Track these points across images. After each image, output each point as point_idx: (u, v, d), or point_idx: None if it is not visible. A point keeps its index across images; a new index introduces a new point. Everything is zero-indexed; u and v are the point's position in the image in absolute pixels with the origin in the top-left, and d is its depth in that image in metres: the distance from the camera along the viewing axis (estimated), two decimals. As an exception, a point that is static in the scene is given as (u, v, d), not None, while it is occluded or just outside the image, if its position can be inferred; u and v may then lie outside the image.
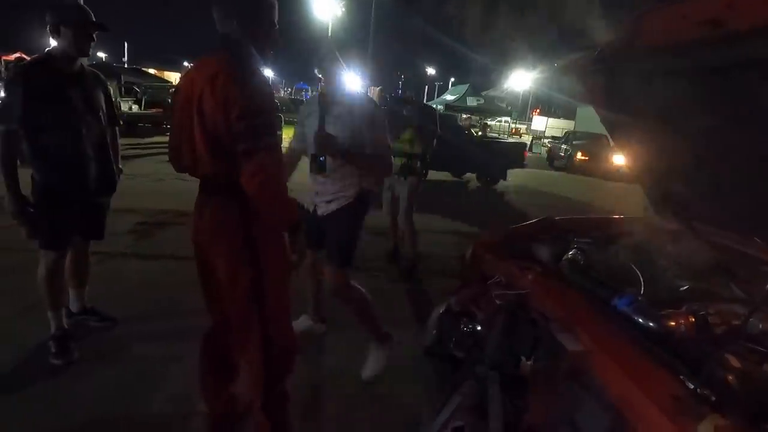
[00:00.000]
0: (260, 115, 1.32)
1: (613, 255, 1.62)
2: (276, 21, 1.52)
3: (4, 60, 10.76)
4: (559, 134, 24.36)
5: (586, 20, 1.40)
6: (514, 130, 32.30)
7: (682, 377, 0.94)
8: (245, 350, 1.57)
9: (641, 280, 1.41)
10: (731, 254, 1.60)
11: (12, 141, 1.95)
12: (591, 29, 1.38)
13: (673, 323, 1.16)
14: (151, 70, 20.52)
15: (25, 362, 2.16)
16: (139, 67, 21.30)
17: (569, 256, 1.57)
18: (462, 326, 1.66)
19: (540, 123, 37.63)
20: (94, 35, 2.12)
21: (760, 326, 1.12)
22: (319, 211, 2.19)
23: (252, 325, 1.50)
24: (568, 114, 40.95)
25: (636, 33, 1.19)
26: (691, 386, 0.91)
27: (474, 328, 1.63)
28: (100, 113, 2.24)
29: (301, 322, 2.66)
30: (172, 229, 4.42)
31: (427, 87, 47.85)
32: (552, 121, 38.80)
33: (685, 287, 1.43)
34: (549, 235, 1.83)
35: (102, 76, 2.32)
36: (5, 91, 1.96)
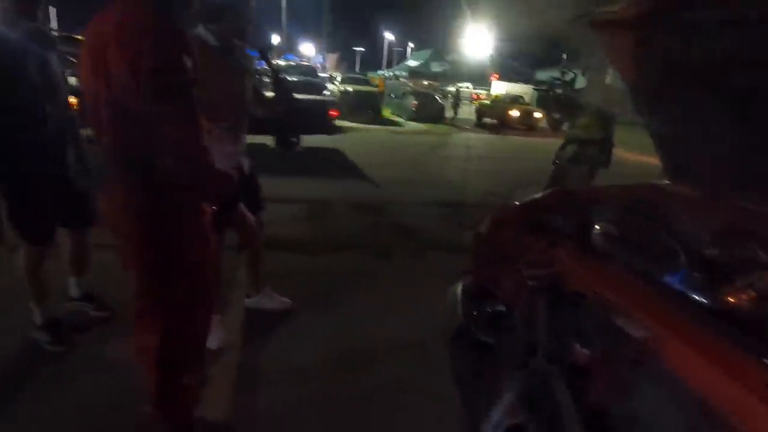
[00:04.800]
0: (176, 73, 1.15)
1: (643, 226, 1.54)
2: None
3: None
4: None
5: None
6: (475, 95, 32.28)
7: (765, 360, 0.87)
8: (142, 337, 1.43)
9: (681, 252, 1.34)
10: (755, 219, 1.56)
11: None
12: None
13: (733, 300, 1.09)
14: (86, 38, 18.58)
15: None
16: (71, 34, 19.23)
17: (601, 228, 1.48)
18: (487, 309, 1.55)
19: (499, 87, 37.80)
20: None
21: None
22: (246, 169, 2.21)
23: (155, 311, 1.39)
24: (526, 79, 41.35)
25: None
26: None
27: (500, 310, 1.53)
28: (60, 90, 1.97)
29: (269, 301, 2.56)
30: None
31: (386, 53, 46.57)
32: (511, 86, 39.11)
33: (722, 257, 1.38)
34: (568, 206, 1.73)
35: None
36: None
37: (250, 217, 2.30)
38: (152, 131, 1.19)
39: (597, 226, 1.49)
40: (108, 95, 1.19)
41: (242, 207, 2.21)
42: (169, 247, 1.33)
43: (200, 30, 1.97)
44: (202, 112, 1.53)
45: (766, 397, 0.79)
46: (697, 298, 1.10)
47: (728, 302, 1.08)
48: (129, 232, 1.33)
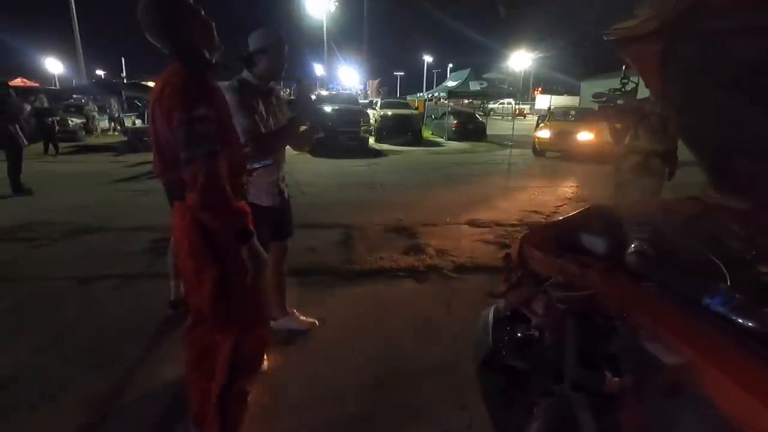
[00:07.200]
0: (198, 123, 1.34)
1: (682, 243, 1.45)
2: (203, 26, 1.49)
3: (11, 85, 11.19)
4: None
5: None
6: (517, 111, 31.81)
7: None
8: (216, 344, 1.64)
9: (724, 271, 1.24)
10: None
11: None
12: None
13: (782, 322, 1.00)
14: (151, 83, 20.52)
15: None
16: (138, 81, 21.33)
17: (635, 247, 1.41)
18: (518, 333, 1.51)
19: (543, 102, 37.03)
20: None
21: None
22: (286, 195, 2.38)
23: (221, 321, 1.57)
24: (571, 90, 40.23)
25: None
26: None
27: (531, 334, 1.48)
28: None
29: (294, 322, 2.68)
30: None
31: (425, 75, 47.24)
32: (555, 98, 38.16)
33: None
34: (601, 225, 1.66)
35: None
36: None
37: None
38: (185, 171, 1.39)
39: (631, 246, 1.42)
40: (157, 141, 1.47)
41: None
42: (227, 265, 1.51)
43: (245, 74, 2.15)
44: (247, 147, 1.75)
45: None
46: (740, 321, 1.02)
47: (776, 326, 0.99)
48: (186, 250, 1.54)
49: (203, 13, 1.50)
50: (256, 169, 1.94)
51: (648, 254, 1.36)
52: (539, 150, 11.89)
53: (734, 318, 1.02)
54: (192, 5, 1.48)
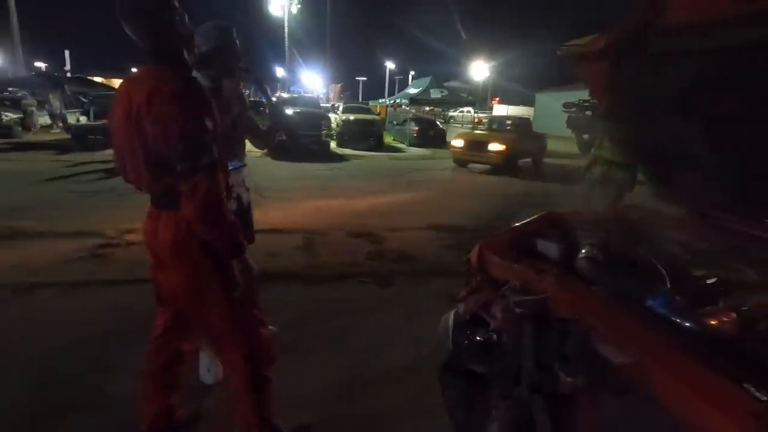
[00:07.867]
0: (198, 136, 1.31)
1: (627, 248, 1.55)
2: (186, 26, 1.44)
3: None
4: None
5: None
6: (476, 119, 32.80)
7: (747, 387, 0.87)
8: (181, 355, 1.70)
9: (665, 274, 1.34)
10: (742, 238, 1.56)
11: None
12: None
13: (715, 322, 1.09)
14: (98, 79, 19.40)
15: None
16: (83, 75, 20.10)
17: (585, 253, 1.48)
18: (477, 337, 1.55)
19: (501, 111, 38.35)
20: None
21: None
22: (244, 202, 2.31)
23: (233, 327, 1.54)
24: (526, 101, 41.99)
25: (659, 11, 1.10)
26: (764, 398, 0.83)
27: (490, 338, 1.52)
28: None
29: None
30: (139, 248, 4.10)
31: (388, 82, 47.74)
32: (512, 108, 39.66)
33: (708, 277, 1.37)
34: (556, 231, 1.74)
35: None
36: None
37: None
38: (181, 181, 1.33)
39: (582, 251, 1.50)
40: (145, 149, 1.36)
41: None
42: (227, 271, 1.45)
43: (194, 74, 2.05)
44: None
45: (750, 426, 0.79)
46: (679, 321, 1.09)
47: (711, 326, 1.08)
48: (185, 265, 1.47)
49: (188, 20, 1.44)
50: (229, 171, 1.89)
51: (597, 259, 1.44)
52: (458, 160, 10.99)
53: (674, 319, 1.10)
54: (181, 11, 1.41)
